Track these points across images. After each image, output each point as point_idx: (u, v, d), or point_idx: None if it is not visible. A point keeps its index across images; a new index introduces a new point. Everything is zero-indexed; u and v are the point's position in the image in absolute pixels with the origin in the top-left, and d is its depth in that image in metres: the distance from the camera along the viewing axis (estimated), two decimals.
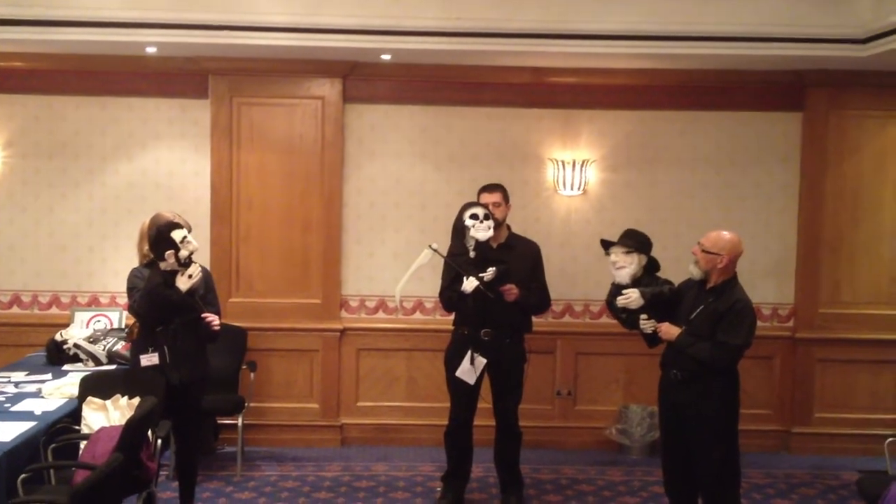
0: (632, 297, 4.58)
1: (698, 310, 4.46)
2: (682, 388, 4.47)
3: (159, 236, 4.49)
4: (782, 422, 6.60)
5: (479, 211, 5.01)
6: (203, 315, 4.67)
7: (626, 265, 4.63)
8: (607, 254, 4.72)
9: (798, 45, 5.74)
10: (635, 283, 4.62)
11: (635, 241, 4.68)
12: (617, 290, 4.67)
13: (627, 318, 4.67)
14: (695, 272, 4.51)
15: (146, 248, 4.68)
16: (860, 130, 6.47)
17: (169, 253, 4.47)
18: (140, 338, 4.68)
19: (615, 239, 4.74)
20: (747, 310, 4.43)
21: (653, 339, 4.66)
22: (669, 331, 4.51)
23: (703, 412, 4.40)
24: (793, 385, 6.57)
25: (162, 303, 4.51)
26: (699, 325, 4.43)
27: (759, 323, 6.30)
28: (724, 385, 4.45)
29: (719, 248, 4.44)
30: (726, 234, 4.51)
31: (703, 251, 4.46)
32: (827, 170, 6.46)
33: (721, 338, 4.36)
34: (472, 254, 4.98)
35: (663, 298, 4.57)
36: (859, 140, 6.47)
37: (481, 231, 4.97)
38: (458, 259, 5.03)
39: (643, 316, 4.58)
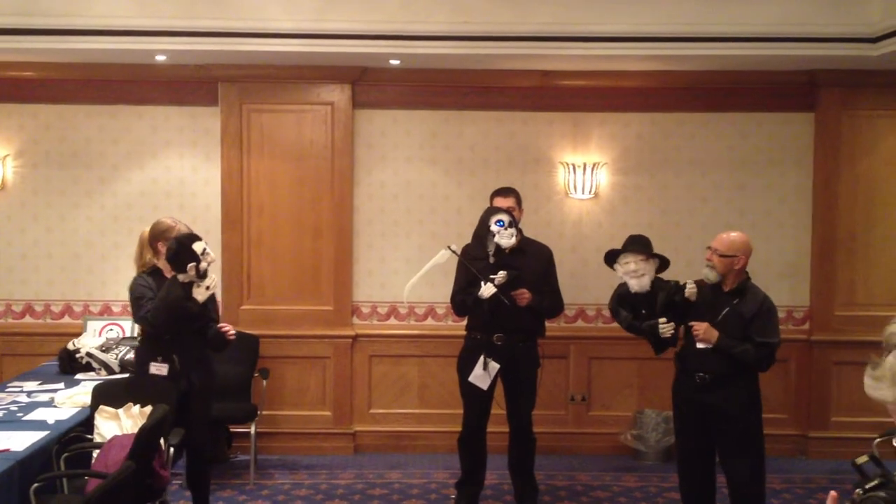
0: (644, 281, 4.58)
1: (724, 312, 4.41)
2: (710, 390, 4.42)
3: (181, 248, 4.42)
4: (799, 426, 6.53)
5: (506, 218, 4.97)
6: (219, 326, 4.68)
7: (646, 272, 4.60)
8: (616, 263, 4.66)
9: (809, 45, 5.71)
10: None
11: (647, 247, 4.66)
12: (634, 298, 4.61)
13: (629, 325, 4.64)
14: (710, 276, 4.46)
15: (148, 256, 4.65)
16: (873, 130, 6.42)
17: (191, 266, 4.41)
18: (146, 345, 4.66)
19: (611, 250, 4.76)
20: (774, 307, 4.47)
21: (664, 344, 4.60)
22: (710, 333, 4.40)
23: (733, 413, 4.37)
24: (809, 389, 6.50)
25: (182, 315, 4.48)
26: (729, 328, 4.39)
27: None
28: (750, 385, 4.43)
29: (735, 249, 4.41)
30: (737, 235, 4.49)
31: (720, 256, 4.42)
32: (840, 170, 6.40)
33: (760, 339, 4.35)
34: (491, 259, 4.95)
35: (677, 300, 4.52)
36: (872, 140, 6.42)
37: (506, 238, 4.93)
38: (476, 263, 5.00)
39: (662, 320, 4.52)
